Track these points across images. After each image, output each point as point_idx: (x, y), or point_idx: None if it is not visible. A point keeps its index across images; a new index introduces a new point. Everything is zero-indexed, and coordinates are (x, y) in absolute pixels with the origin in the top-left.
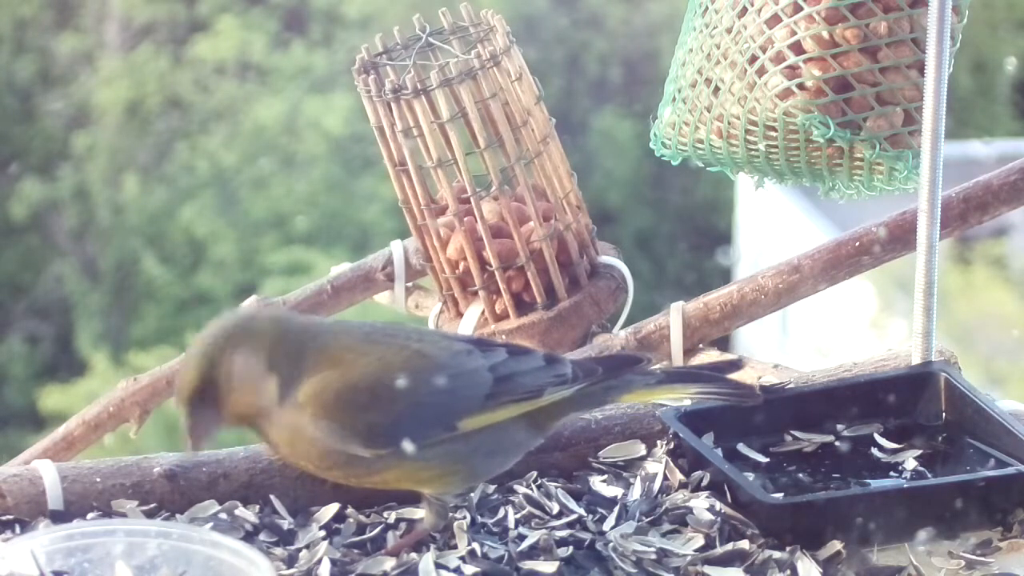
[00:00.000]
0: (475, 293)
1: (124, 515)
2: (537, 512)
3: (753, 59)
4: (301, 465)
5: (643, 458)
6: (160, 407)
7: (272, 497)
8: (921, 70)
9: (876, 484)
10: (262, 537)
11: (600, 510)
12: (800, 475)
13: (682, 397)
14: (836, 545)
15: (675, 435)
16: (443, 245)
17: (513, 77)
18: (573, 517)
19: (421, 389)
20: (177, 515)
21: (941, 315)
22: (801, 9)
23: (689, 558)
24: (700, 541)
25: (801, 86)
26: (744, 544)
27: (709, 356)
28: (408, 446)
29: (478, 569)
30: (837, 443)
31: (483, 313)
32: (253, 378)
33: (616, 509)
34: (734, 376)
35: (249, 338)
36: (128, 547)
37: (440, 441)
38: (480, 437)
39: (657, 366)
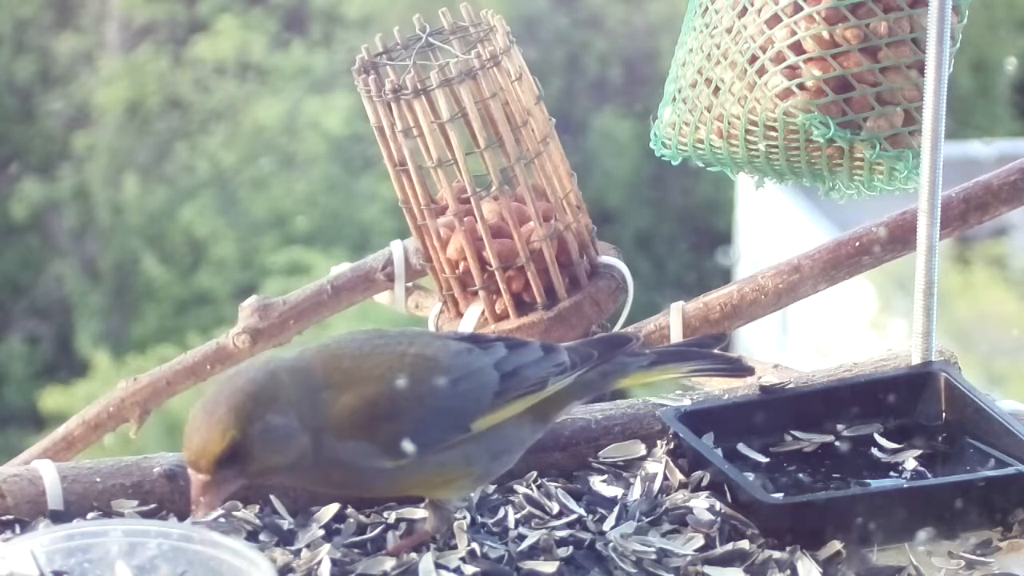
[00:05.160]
0: (475, 293)
1: (123, 515)
2: (537, 512)
3: (753, 59)
4: (325, 489)
5: (643, 458)
6: (160, 407)
7: (272, 497)
8: (921, 70)
9: (876, 484)
10: (262, 537)
11: (600, 510)
12: (800, 475)
13: (677, 376)
14: (836, 545)
15: (675, 435)
16: (443, 245)
17: (513, 77)
18: (573, 517)
19: (434, 394)
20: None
21: (941, 315)
22: (801, 9)
23: (689, 558)
24: (700, 541)
25: (801, 86)
26: (744, 544)
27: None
28: (426, 452)
29: (478, 569)
30: (837, 443)
31: (483, 313)
32: (290, 437)
33: (616, 509)
34: (721, 350)
35: (275, 398)
36: (128, 547)
37: (455, 444)
38: (490, 437)
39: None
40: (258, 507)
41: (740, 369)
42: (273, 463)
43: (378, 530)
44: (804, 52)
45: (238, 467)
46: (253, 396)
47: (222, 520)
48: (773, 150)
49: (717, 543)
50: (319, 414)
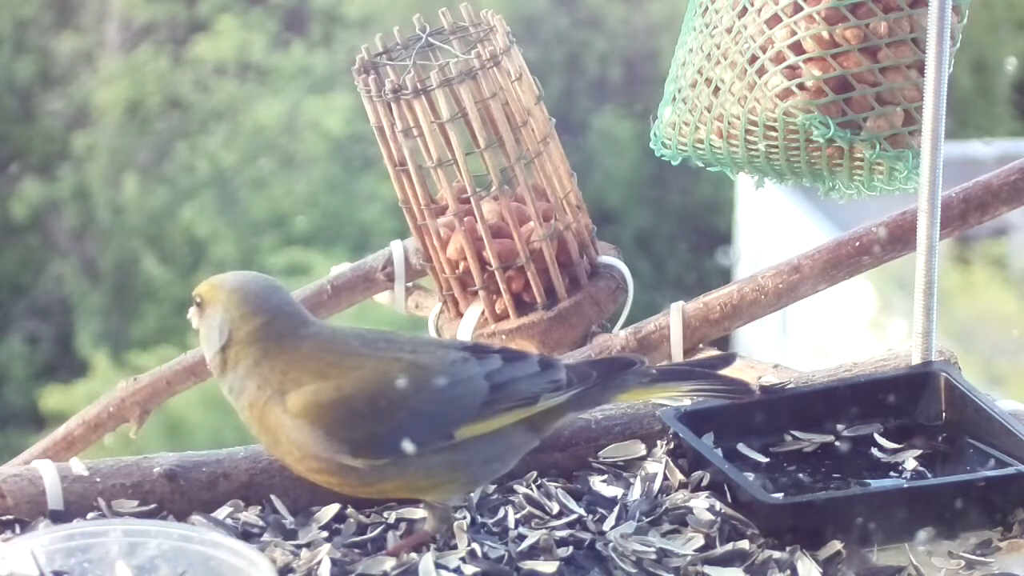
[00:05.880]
0: (475, 293)
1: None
2: (537, 512)
3: (753, 59)
4: (294, 468)
5: (643, 458)
6: (160, 407)
7: (272, 497)
8: (921, 70)
9: (876, 484)
10: (263, 537)
11: (600, 510)
12: (800, 475)
13: (677, 395)
14: (836, 545)
15: (675, 435)
16: (443, 245)
17: (513, 77)
18: (573, 517)
19: (417, 399)
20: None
21: (941, 315)
22: (801, 9)
23: (689, 558)
24: (700, 541)
25: (801, 86)
26: (744, 544)
27: (708, 356)
28: (404, 457)
29: (478, 569)
30: (837, 443)
31: (483, 313)
32: (209, 339)
33: (616, 509)
34: (727, 371)
35: (232, 305)
36: (128, 547)
37: (437, 450)
38: (477, 445)
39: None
40: (259, 507)
41: (742, 392)
42: (204, 342)
43: (378, 530)
44: (804, 52)
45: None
46: (239, 295)
47: (222, 520)
48: (773, 150)
49: (717, 543)
50: (276, 384)
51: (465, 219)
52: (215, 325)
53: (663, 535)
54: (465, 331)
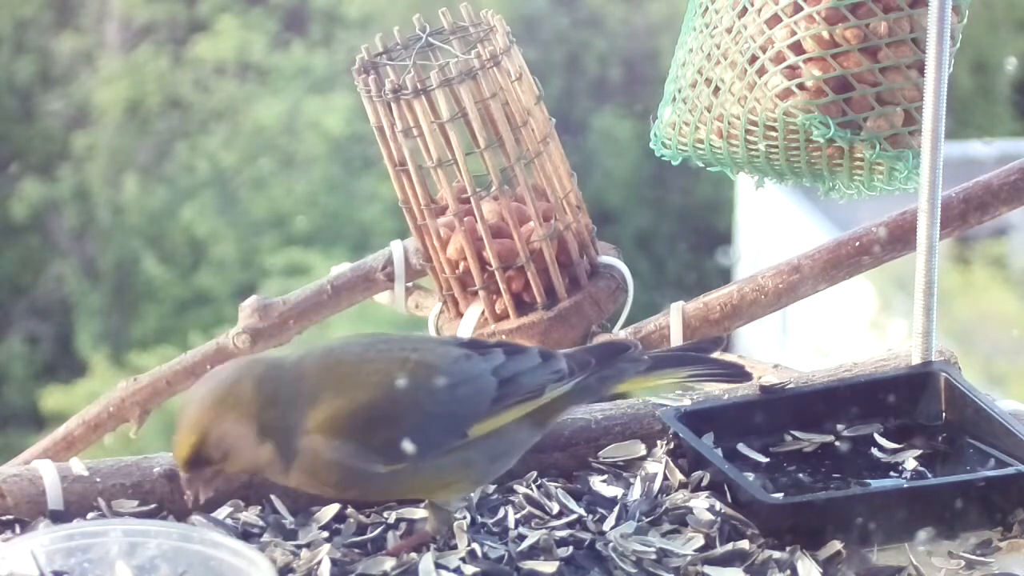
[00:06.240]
0: (475, 293)
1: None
2: (537, 512)
3: (753, 59)
4: (319, 491)
5: (643, 458)
6: (160, 407)
7: (273, 497)
8: (921, 70)
9: (876, 484)
10: (263, 537)
11: (600, 510)
12: (800, 475)
13: (676, 381)
14: (836, 545)
15: (675, 435)
16: (443, 245)
17: (513, 77)
18: (573, 517)
19: (432, 400)
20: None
21: (941, 315)
22: (801, 9)
23: (689, 558)
24: (700, 541)
25: (801, 86)
26: (744, 544)
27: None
28: (423, 457)
29: (478, 569)
30: (837, 443)
31: (483, 313)
32: (246, 447)
33: (616, 509)
34: (718, 354)
35: (235, 407)
36: (128, 547)
37: (452, 449)
38: (486, 442)
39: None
40: (259, 507)
41: (738, 374)
42: (240, 466)
43: (378, 530)
44: (804, 52)
45: (210, 465)
46: (212, 405)
47: (223, 520)
48: (773, 150)
49: (717, 543)
50: (301, 419)
51: (465, 219)
52: (242, 429)
53: (663, 535)
54: (465, 331)
